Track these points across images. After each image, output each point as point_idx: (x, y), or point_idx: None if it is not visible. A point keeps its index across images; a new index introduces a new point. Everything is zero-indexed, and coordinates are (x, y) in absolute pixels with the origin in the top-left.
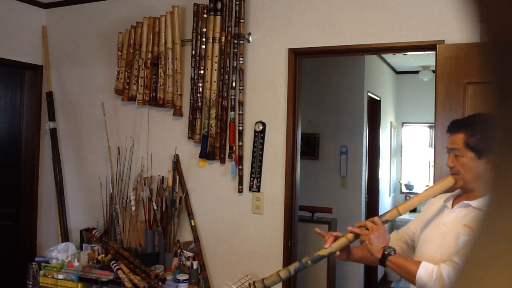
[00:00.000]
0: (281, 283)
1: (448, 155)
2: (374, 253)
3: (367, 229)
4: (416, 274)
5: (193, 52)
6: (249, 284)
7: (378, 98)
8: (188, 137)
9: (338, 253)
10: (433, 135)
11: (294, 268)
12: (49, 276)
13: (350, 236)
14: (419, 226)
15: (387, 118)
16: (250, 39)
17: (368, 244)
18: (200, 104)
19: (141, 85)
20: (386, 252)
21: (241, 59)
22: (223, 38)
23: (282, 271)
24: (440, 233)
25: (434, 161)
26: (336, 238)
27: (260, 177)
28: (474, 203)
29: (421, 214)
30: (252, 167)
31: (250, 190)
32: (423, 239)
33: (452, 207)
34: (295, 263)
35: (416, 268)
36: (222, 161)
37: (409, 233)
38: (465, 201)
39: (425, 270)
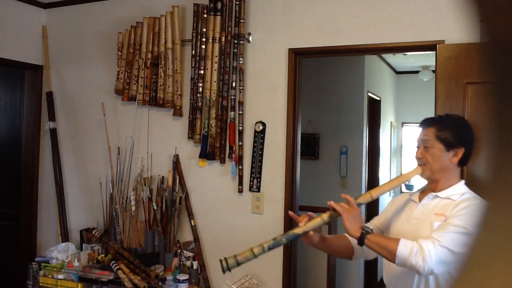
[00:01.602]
0: (281, 281)
1: (418, 149)
2: (352, 233)
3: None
4: (396, 250)
5: (193, 52)
6: (221, 260)
7: (378, 98)
8: (188, 137)
9: (311, 232)
10: None
11: (268, 245)
12: (49, 276)
13: (325, 216)
14: (384, 221)
15: (387, 118)
16: (250, 39)
17: (346, 222)
18: (200, 104)
19: (141, 85)
20: (364, 231)
21: (241, 59)
22: (223, 38)
23: (255, 248)
24: (413, 226)
25: None
26: (311, 219)
27: (260, 177)
28: (441, 193)
29: (385, 211)
30: (252, 167)
31: (250, 190)
32: (396, 234)
33: (420, 201)
34: (269, 240)
35: (396, 245)
36: (222, 161)
37: (374, 228)
38: (432, 193)
39: (405, 246)
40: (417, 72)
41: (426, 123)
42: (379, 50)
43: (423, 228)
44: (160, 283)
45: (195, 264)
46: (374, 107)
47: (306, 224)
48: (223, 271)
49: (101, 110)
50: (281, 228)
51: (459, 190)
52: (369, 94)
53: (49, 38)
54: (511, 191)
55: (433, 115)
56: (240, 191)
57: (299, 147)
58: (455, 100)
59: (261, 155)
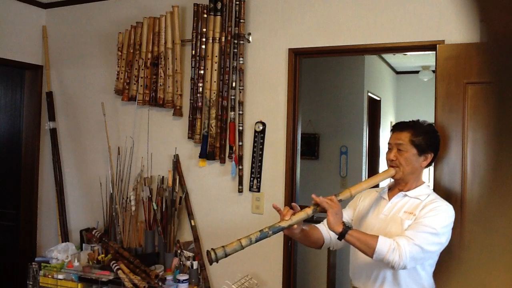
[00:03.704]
0: (281, 282)
1: (390, 150)
2: (334, 228)
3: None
4: (375, 246)
5: (193, 52)
6: (208, 251)
7: (378, 98)
8: (188, 137)
9: (295, 226)
10: None
11: (255, 237)
12: (49, 276)
13: (309, 210)
14: (353, 214)
15: (387, 118)
16: (250, 39)
17: (330, 217)
18: (200, 104)
19: (141, 85)
20: (346, 226)
21: (241, 59)
22: (223, 38)
23: (243, 239)
24: (382, 222)
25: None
26: (295, 213)
27: (260, 177)
28: (410, 193)
29: (352, 204)
30: (252, 167)
31: (250, 190)
32: (366, 228)
33: (389, 198)
34: (256, 232)
35: (375, 241)
36: (222, 161)
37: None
38: (402, 192)
39: (383, 242)
40: (417, 72)
41: (400, 127)
42: (379, 50)
43: (392, 224)
44: (160, 283)
45: (195, 264)
46: (374, 107)
47: (292, 218)
48: (211, 262)
49: (101, 110)
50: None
51: (425, 191)
52: (369, 94)
53: (49, 38)
54: (511, 191)
55: (433, 115)
56: (240, 191)
57: (299, 147)
58: (455, 100)
59: (261, 155)
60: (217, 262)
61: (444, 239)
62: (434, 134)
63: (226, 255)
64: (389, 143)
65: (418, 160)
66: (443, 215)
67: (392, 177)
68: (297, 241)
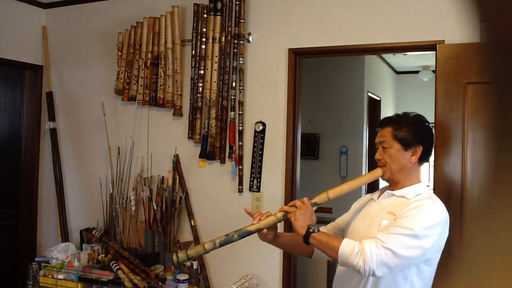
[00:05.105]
0: (281, 282)
1: (378, 150)
2: (298, 230)
3: (296, 208)
4: (338, 249)
5: (193, 52)
6: (173, 252)
7: (378, 98)
8: (188, 137)
9: (265, 230)
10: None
11: (219, 241)
12: (49, 276)
13: (279, 215)
14: (346, 220)
15: None
16: (250, 39)
17: (294, 221)
18: (200, 104)
19: (141, 85)
20: (310, 230)
21: (241, 59)
22: (223, 38)
23: (207, 243)
24: (366, 224)
25: (434, 161)
26: (265, 217)
27: (260, 177)
28: (397, 192)
29: (350, 210)
30: (252, 167)
31: (250, 190)
32: (350, 231)
33: (378, 199)
34: (221, 236)
35: (339, 244)
36: (222, 161)
37: (337, 226)
38: (389, 191)
39: (347, 244)
40: (417, 72)
41: (383, 123)
42: (379, 50)
43: (373, 226)
44: (160, 283)
45: (195, 264)
46: (374, 107)
47: (260, 222)
48: (174, 265)
49: (101, 110)
50: (281, 228)
51: (416, 190)
52: (369, 94)
53: (49, 38)
54: (511, 191)
55: (433, 115)
56: (240, 191)
57: (299, 147)
58: (455, 100)
59: (261, 155)
60: (179, 265)
61: (426, 243)
62: (422, 125)
63: (188, 259)
64: (375, 143)
65: (404, 155)
66: (425, 215)
67: (382, 178)
68: (280, 248)
